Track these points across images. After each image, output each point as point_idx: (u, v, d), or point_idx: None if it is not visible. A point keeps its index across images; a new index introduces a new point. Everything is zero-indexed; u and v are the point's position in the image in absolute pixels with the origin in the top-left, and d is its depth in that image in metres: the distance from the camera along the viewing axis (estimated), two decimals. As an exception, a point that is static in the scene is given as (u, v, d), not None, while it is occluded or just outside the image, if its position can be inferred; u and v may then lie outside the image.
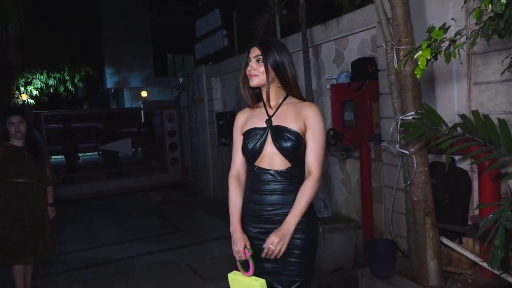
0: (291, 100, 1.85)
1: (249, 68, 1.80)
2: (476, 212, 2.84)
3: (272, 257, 1.69)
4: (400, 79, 2.72)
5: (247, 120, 1.88)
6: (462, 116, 2.25)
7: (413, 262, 2.93)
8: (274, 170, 1.78)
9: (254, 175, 1.83)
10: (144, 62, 21.79)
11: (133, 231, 5.70)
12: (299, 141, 1.77)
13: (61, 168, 9.12)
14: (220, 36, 7.34)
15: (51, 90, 15.59)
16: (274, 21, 4.99)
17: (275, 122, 1.80)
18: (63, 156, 9.73)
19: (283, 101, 1.85)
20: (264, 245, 1.69)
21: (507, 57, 2.03)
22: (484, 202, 2.47)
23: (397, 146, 2.90)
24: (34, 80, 14.75)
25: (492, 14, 1.49)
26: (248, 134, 1.83)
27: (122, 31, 20.55)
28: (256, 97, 1.91)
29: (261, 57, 1.78)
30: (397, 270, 2.99)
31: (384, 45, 2.94)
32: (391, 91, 2.99)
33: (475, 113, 2.21)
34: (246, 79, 1.84)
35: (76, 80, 15.70)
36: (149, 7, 21.28)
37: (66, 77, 15.52)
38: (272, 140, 1.78)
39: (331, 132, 3.57)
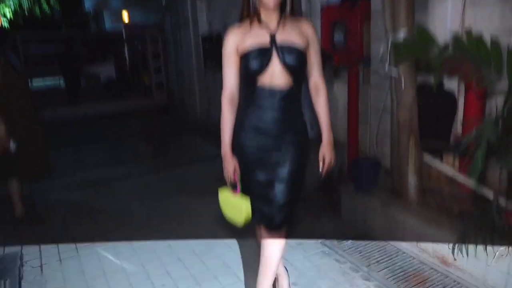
0: (288, 17, 1.83)
1: None
2: (459, 132, 2.94)
3: (328, 168, 1.91)
4: (395, -5, 2.64)
5: (244, 38, 1.80)
6: (455, 36, 2.24)
7: (395, 178, 3.07)
8: (277, 88, 1.78)
9: (256, 93, 1.81)
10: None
11: (120, 154, 5.76)
12: (304, 58, 1.82)
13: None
14: (206, -49, 6.87)
15: (26, 13, 14.68)
16: None
17: (279, 39, 1.78)
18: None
19: (280, 18, 1.81)
20: (320, 163, 1.91)
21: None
22: (468, 119, 2.55)
23: (386, 66, 2.89)
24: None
25: None
26: (251, 52, 1.77)
27: None
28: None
29: None
30: (379, 185, 3.14)
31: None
32: (383, 10, 2.91)
33: (468, 33, 2.20)
34: None
35: (52, 1, 14.75)
36: None
37: (40, -2, 14.56)
38: (279, 57, 1.76)
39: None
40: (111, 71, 8.69)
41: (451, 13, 2.92)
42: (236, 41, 1.81)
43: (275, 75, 1.78)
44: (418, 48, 2.39)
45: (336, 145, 3.92)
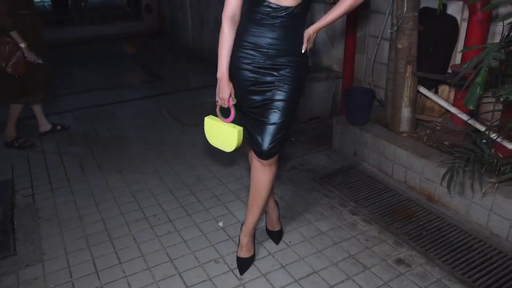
0: None
1: None
2: (458, 61, 2.81)
3: (309, 48, 1.77)
4: None
5: None
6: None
7: (388, 110, 3.00)
8: (284, 5, 1.67)
9: (261, 9, 1.71)
10: None
11: (112, 78, 5.59)
12: None
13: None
14: None
15: None
16: None
17: None
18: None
19: None
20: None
21: None
22: (470, 46, 2.42)
23: (389, -13, 2.68)
24: None
25: None
26: None
27: None
28: None
29: None
30: (372, 118, 3.08)
31: None
32: None
33: None
34: None
35: None
36: None
37: None
38: None
39: None
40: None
41: None
42: None
43: None
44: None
45: (331, 74, 3.82)
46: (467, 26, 2.49)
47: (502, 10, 2.44)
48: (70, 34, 7.99)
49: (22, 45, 3.14)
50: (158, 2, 8.46)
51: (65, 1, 8.59)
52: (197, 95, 4.74)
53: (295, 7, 1.68)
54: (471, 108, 1.52)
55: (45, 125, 3.71)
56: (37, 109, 3.64)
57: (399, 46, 2.71)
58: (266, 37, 1.72)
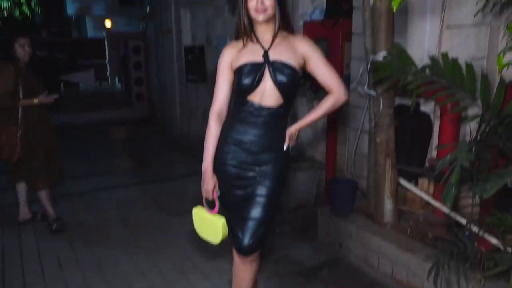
0: (281, 33, 1.83)
1: (259, 3, 1.73)
2: (434, 155, 2.93)
3: (291, 145, 1.88)
4: (375, 17, 2.64)
5: (239, 55, 1.82)
6: (432, 58, 2.23)
7: (371, 201, 3.04)
8: (266, 106, 1.78)
9: (244, 109, 1.82)
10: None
11: (98, 165, 5.62)
12: (297, 77, 1.80)
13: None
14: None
15: (5, 13, 14.40)
16: None
17: (272, 56, 1.78)
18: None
19: (275, 34, 1.81)
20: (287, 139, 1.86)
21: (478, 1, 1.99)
22: (443, 144, 2.54)
23: (365, 87, 2.88)
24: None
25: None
26: (244, 69, 1.78)
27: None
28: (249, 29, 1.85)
29: None
30: (355, 209, 3.11)
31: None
32: (364, 30, 2.91)
33: (444, 55, 2.19)
34: (246, 10, 1.78)
35: (33, 4, 14.52)
36: None
37: (22, 0, 14.32)
38: (271, 75, 1.77)
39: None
40: (91, 79, 8.52)
41: (429, 36, 2.93)
42: (231, 57, 1.83)
43: (266, 93, 1.78)
44: (396, 69, 2.38)
45: (315, 164, 3.92)
46: (440, 124, 2.65)
47: (472, 111, 2.62)
48: (61, 120, 8.16)
49: (36, 100, 3.27)
50: (149, 90, 8.84)
51: (57, 89, 8.92)
52: (183, 183, 4.75)
53: (277, 107, 1.79)
54: (449, 205, 1.57)
55: (25, 213, 3.63)
56: (22, 193, 3.56)
57: (378, 140, 2.84)
58: (249, 135, 1.81)
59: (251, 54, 1.80)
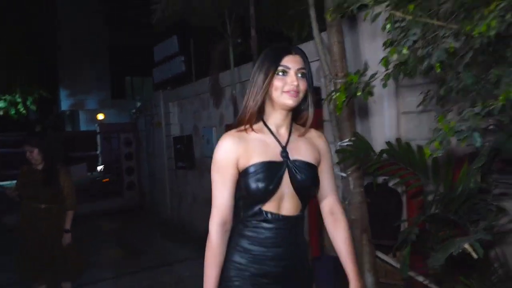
0: (296, 125, 1.52)
1: (293, 83, 1.37)
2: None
3: None
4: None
5: (247, 149, 1.41)
6: (388, 143, 2.58)
7: (353, 275, 3.19)
8: (284, 215, 1.42)
9: (256, 222, 1.41)
10: (101, 84, 21.50)
11: (89, 256, 5.64)
12: (318, 178, 1.49)
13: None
14: (178, 62, 7.55)
15: (1, 113, 15.07)
16: (228, 50, 5.28)
17: (292, 154, 1.43)
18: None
19: (291, 127, 1.49)
20: None
21: (420, 93, 2.38)
22: (410, 217, 2.79)
23: (337, 169, 3.19)
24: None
25: (398, 62, 1.80)
26: (257, 169, 1.38)
27: (78, 51, 20.27)
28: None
29: (305, 71, 1.41)
30: (340, 284, 3.23)
31: (322, 78, 3.27)
32: (331, 119, 3.30)
33: (397, 140, 2.55)
34: (267, 88, 1.40)
35: (28, 103, 15.27)
36: (106, 28, 21.16)
37: (18, 99, 15.07)
38: (291, 178, 1.40)
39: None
40: (83, 171, 8.78)
41: (389, 121, 3.33)
42: (237, 152, 1.40)
43: (285, 198, 1.41)
44: (359, 154, 2.71)
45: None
46: (406, 199, 2.93)
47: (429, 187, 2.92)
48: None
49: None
50: (139, 179, 9.10)
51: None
52: (175, 270, 4.81)
53: (297, 216, 1.45)
54: (404, 276, 1.77)
55: None
56: None
57: (353, 217, 3.07)
58: (267, 258, 1.42)
59: (264, 150, 1.41)
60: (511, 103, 1.75)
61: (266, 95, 1.41)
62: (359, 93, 1.87)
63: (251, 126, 1.43)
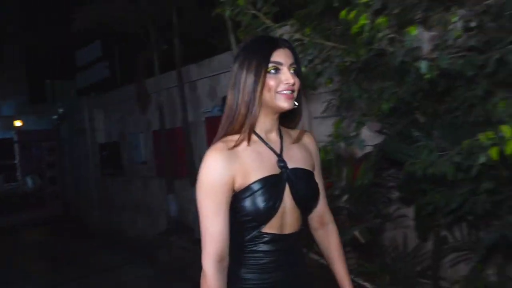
0: (283, 128, 1.29)
1: (289, 81, 1.16)
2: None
3: None
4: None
5: (243, 165, 1.16)
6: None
7: None
8: (285, 234, 1.21)
9: (257, 246, 1.20)
10: (18, 88, 20.02)
11: (10, 270, 5.39)
12: (318, 187, 1.28)
13: None
14: (102, 67, 7.43)
15: None
16: (153, 57, 5.36)
17: (289, 163, 1.22)
18: None
19: (280, 130, 1.27)
20: None
21: (323, 102, 2.71)
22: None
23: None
24: None
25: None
26: (260, 188, 1.15)
27: (-10, 54, 18.71)
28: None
29: (296, 67, 1.21)
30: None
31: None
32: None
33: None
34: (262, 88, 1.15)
35: None
36: (22, 28, 19.75)
37: None
38: (293, 190, 1.19)
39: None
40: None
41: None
42: (232, 170, 1.14)
43: (286, 215, 1.19)
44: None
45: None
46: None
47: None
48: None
49: None
50: (63, 188, 8.76)
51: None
52: (104, 278, 4.79)
53: (299, 232, 1.25)
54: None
55: None
56: None
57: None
58: (271, 284, 1.21)
59: (260, 162, 1.18)
60: (389, 112, 2.11)
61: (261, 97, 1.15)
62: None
63: (248, 139, 1.17)
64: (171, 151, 5.26)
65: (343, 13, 1.68)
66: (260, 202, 1.14)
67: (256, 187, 1.15)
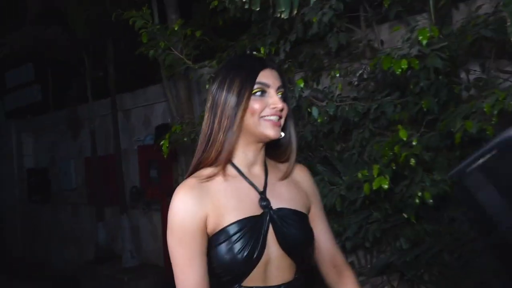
0: (270, 161, 1.11)
1: (276, 105, 1.00)
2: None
3: None
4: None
5: (216, 204, 0.98)
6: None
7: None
8: (272, 286, 1.00)
9: None
10: None
11: None
12: (311, 230, 1.09)
13: None
14: (34, 90, 7.19)
15: None
16: (86, 83, 5.35)
17: (274, 203, 1.03)
18: None
19: (266, 164, 1.09)
20: None
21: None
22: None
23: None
24: None
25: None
26: (235, 232, 0.96)
27: None
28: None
29: (283, 91, 1.05)
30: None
31: (169, 118, 3.66)
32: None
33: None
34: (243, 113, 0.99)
35: None
36: None
37: None
38: (278, 235, 1.00)
39: (134, 189, 4.06)
40: None
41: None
42: (204, 209, 0.97)
43: (271, 263, 0.99)
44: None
45: (156, 270, 4.30)
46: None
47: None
48: None
49: None
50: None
51: None
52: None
53: (293, 280, 1.03)
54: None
55: None
56: None
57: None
58: None
59: (238, 201, 1.00)
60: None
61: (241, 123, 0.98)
62: (185, 139, 2.29)
63: (223, 170, 1.00)
64: (103, 178, 5.20)
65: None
66: (237, 249, 0.94)
67: (231, 230, 0.95)
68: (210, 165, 1.00)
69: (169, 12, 3.34)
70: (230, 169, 1.02)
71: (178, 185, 1.02)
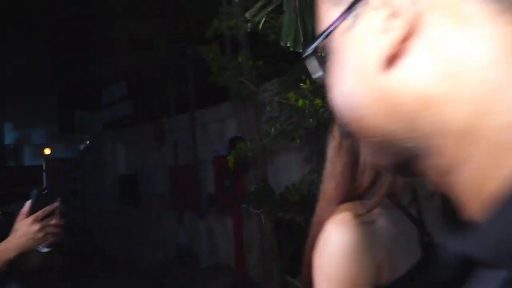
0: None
1: None
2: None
3: None
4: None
5: (390, 252, 0.77)
6: (286, 187, 3.30)
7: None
8: None
9: None
10: (49, 117, 21.17)
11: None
12: None
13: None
14: (127, 105, 8.08)
15: None
16: (169, 99, 5.96)
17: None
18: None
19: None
20: None
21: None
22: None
23: (250, 207, 3.89)
24: None
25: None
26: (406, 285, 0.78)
27: (25, 83, 19.98)
28: None
29: None
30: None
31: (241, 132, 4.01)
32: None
33: (289, 186, 3.27)
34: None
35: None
36: (52, 60, 21.01)
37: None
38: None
39: (209, 196, 4.49)
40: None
41: (290, 168, 4.09)
42: (377, 259, 0.76)
43: None
44: (263, 197, 3.42)
45: (228, 270, 4.68)
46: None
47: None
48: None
49: None
50: (85, 217, 9.31)
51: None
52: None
53: None
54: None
55: None
56: None
57: (264, 247, 3.75)
58: None
59: (406, 245, 0.81)
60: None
61: None
62: (249, 154, 2.61)
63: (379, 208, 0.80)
64: (183, 185, 5.76)
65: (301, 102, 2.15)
66: None
67: (398, 284, 0.75)
68: (356, 199, 0.79)
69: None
70: (387, 203, 0.81)
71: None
